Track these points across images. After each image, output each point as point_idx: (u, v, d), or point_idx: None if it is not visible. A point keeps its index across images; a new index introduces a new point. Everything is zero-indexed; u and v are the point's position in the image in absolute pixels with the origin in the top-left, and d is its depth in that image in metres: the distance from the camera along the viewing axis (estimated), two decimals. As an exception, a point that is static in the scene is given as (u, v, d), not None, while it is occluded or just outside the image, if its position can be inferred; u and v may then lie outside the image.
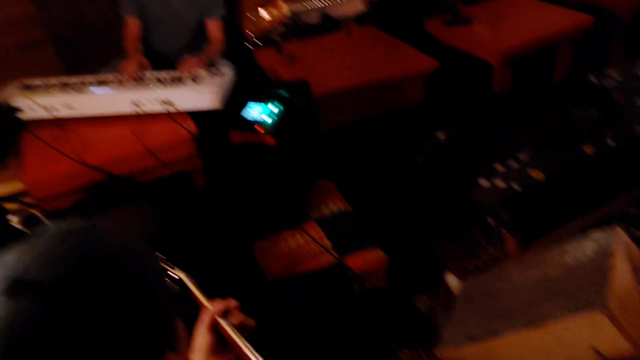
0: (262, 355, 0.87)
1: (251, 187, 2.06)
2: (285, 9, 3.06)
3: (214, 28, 2.91)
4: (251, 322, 0.93)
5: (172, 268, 1.17)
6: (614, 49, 3.49)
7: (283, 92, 2.08)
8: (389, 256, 1.97)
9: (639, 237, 1.87)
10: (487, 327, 1.63)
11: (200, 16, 2.87)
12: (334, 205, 2.14)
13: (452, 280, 2.15)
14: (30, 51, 3.13)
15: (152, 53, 2.85)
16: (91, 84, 2.47)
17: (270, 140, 1.90)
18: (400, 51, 2.90)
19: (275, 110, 2.00)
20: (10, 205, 2.14)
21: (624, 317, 1.37)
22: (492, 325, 1.62)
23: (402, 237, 2.40)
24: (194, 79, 2.46)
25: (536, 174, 2.16)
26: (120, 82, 2.46)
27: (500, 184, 2.18)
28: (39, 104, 2.33)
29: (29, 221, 2.06)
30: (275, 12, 3.08)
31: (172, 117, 2.32)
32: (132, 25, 2.77)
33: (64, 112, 2.35)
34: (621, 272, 1.48)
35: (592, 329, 1.38)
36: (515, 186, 2.15)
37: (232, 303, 0.98)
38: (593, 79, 2.70)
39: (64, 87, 2.45)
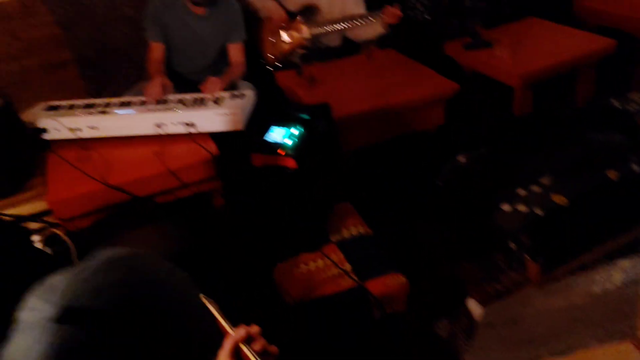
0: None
1: (271, 209, 2.06)
2: (305, 32, 3.09)
3: (236, 51, 2.96)
4: (274, 349, 0.93)
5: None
6: (637, 73, 3.46)
7: (304, 115, 2.09)
8: (409, 279, 1.95)
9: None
10: (510, 355, 1.60)
11: (222, 40, 2.92)
12: (354, 228, 2.13)
13: (473, 306, 2.12)
14: (55, 72, 3.19)
15: (175, 75, 2.89)
16: (115, 105, 2.51)
17: (291, 163, 1.91)
18: (420, 74, 2.90)
19: (297, 133, 2.00)
20: (33, 225, 2.17)
21: (654, 348, 1.33)
22: (516, 353, 1.59)
23: (422, 260, 2.38)
24: (216, 101, 2.48)
25: (559, 199, 2.13)
26: (144, 104, 2.50)
27: (522, 208, 2.16)
28: (63, 124, 2.37)
29: (51, 241, 2.08)
30: (295, 35, 3.11)
31: (193, 138, 2.35)
32: (157, 50, 2.82)
33: (88, 133, 2.39)
34: (650, 301, 1.45)
35: (621, 359, 1.35)
36: (538, 211, 2.12)
37: (254, 329, 0.98)
38: (616, 103, 2.68)
39: (89, 108, 2.49)
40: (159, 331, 0.65)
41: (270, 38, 3.18)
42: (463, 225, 2.49)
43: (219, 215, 2.33)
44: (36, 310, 0.63)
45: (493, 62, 3.04)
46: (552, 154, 2.36)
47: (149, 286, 0.67)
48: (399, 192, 2.73)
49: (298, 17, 3.09)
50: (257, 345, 0.91)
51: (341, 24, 3.08)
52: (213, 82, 2.67)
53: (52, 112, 2.46)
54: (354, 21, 3.05)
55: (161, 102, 2.52)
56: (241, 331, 0.95)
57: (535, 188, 2.21)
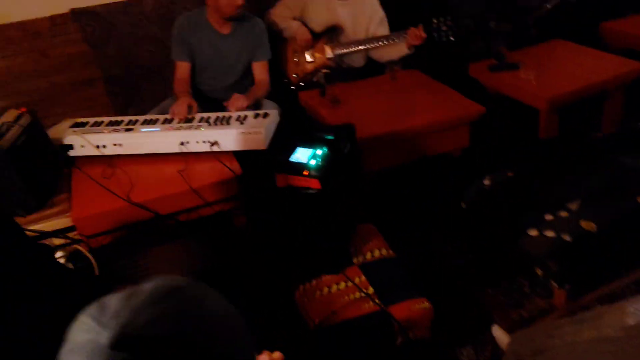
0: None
1: (294, 230, 2.04)
2: (329, 52, 3.10)
3: (261, 70, 2.98)
4: None
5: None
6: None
7: (328, 136, 2.08)
8: (432, 304, 1.91)
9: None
10: (538, 387, 1.55)
11: (247, 59, 2.95)
12: (378, 251, 2.10)
13: (498, 333, 2.07)
14: (83, 89, 3.24)
15: (200, 94, 2.92)
16: (140, 123, 2.53)
17: (315, 184, 1.90)
18: (445, 96, 2.88)
19: (321, 154, 1.99)
20: (57, 241, 2.18)
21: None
22: (543, 385, 1.54)
23: (446, 284, 2.34)
24: (240, 120, 2.49)
25: (588, 225, 2.08)
26: (169, 123, 2.52)
27: (549, 233, 2.11)
28: (89, 141, 2.39)
29: (74, 257, 2.10)
30: (319, 55, 3.13)
31: (217, 157, 2.35)
32: (183, 69, 2.85)
33: (113, 150, 2.41)
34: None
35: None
36: (566, 237, 2.07)
37: (277, 355, 0.97)
38: (645, 127, 2.63)
39: (114, 125, 2.51)
40: None
41: (293, 58, 3.19)
42: (487, 250, 2.44)
43: (241, 234, 2.32)
44: (89, 332, 0.63)
45: (519, 85, 3.01)
46: (580, 178, 2.31)
47: (203, 320, 0.67)
48: (423, 214, 2.70)
49: (322, 38, 3.11)
50: None
51: (365, 44, 3.08)
52: (238, 98, 2.69)
53: (78, 129, 2.49)
54: (378, 42, 3.05)
55: (186, 120, 2.53)
56: (265, 357, 0.93)
57: (563, 213, 2.16)
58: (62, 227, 2.16)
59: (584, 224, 2.10)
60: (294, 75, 3.22)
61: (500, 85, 3.14)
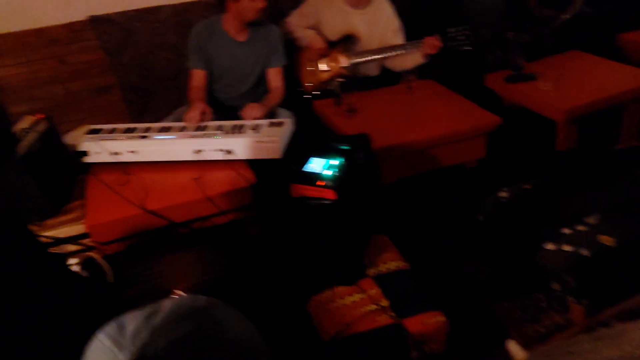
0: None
1: (308, 240, 2.02)
2: (344, 61, 3.09)
3: (275, 76, 2.98)
4: None
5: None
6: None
7: (344, 146, 2.07)
8: (447, 318, 1.88)
9: None
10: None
11: (263, 66, 2.96)
12: (392, 262, 2.07)
13: (514, 349, 2.03)
14: (99, 96, 3.27)
15: (214, 101, 2.92)
16: (155, 130, 2.53)
17: (330, 195, 1.88)
18: (461, 107, 2.86)
19: (336, 164, 1.98)
20: (70, 247, 2.18)
21: None
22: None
23: (461, 298, 2.30)
24: (254, 128, 2.49)
25: (607, 240, 2.05)
26: (184, 130, 2.52)
27: (567, 248, 2.07)
28: (104, 148, 2.39)
29: (87, 264, 2.09)
30: (334, 64, 3.12)
31: (231, 165, 2.35)
32: (198, 77, 2.86)
33: (127, 157, 2.41)
34: None
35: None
36: (584, 251, 2.04)
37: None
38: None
39: (129, 132, 2.52)
40: None
41: (308, 66, 3.19)
42: (503, 263, 2.41)
43: (255, 243, 2.31)
44: (107, 354, 0.62)
45: (536, 96, 2.98)
46: (598, 192, 2.28)
47: (224, 344, 0.66)
48: (438, 226, 2.67)
49: (337, 46, 3.10)
50: None
51: (380, 53, 3.07)
52: (253, 107, 2.69)
53: (93, 136, 2.49)
54: (393, 51, 3.05)
55: (200, 128, 2.53)
56: None
57: (581, 227, 2.12)
58: (76, 234, 2.16)
59: (603, 238, 2.06)
60: (308, 84, 3.21)
61: (517, 96, 3.11)
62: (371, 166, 2.17)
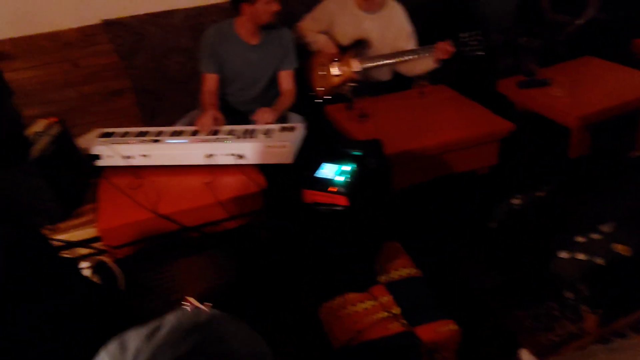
0: None
1: (320, 246, 2.01)
2: (356, 65, 3.08)
3: (287, 79, 2.99)
4: None
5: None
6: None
7: (356, 151, 2.06)
8: (459, 326, 1.86)
9: None
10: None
11: (275, 69, 2.96)
12: (404, 269, 2.06)
13: (527, 358, 2.01)
14: (112, 99, 3.28)
15: (226, 105, 2.93)
16: (167, 134, 2.54)
17: (342, 201, 1.87)
18: (474, 112, 2.84)
19: (348, 170, 1.97)
20: (82, 251, 2.19)
21: None
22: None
23: (473, 306, 2.28)
24: (266, 133, 2.48)
25: (622, 249, 2.02)
26: (195, 135, 2.52)
27: (581, 256, 2.05)
28: (117, 152, 2.40)
29: (99, 267, 2.10)
30: (345, 68, 3.11)
31: (242, 170, 2.34)
32: (211, 81, 2.86)
33: (140, 161, 2.41)
34: None
35: None
36: (599, 260, 2.01)
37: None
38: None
39: (141, 136, 2.52)
40: None
41: (320, 71, 3.19)
42: (516, 271, 2.39)
43: (265, 248, 2.31)
44: None
45: (549, 102, 2.96)
46: (613, 199, 2.25)
47: (225, 358, 0.64)
48: (449, 232, 2.65)
49: (349, 51, 3.09)
50: None
51: (392, 58, 3.06)
52: (265, 112, 2.69)
53: (106, 139, 2.50)
54: (406, 56, 3.03)
55: (212, 132, 2.53)
56: None
57: (596, 236, 2.10)
58: (87, 237, 2.17)
59: (618, 247, 2.04)
60: (319, 88, 3.21)
61: (530, 102, 3.09)
62: (383, 172, 2.16)
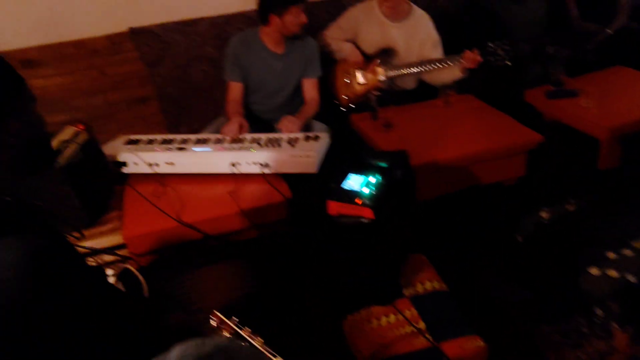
0: None
1: (344, 258, 1.99)
2: (381, 74, 3.06)
3: (311, 87, 2.98)
4: None
5: (274, 356, 1.12)
6: None
7: (382, 163, 2.04)
8: (485, 341, 1.83)
9: None
10: None
11: (299, 77, 2.95)
12: (429, 283, 2.03)
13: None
14: (137, 106, 3.31)
15: (250, 114, 2.93)
16: (192, 142, 2.54)
17: (368, 214, 1.85)
18: (501, 123, 2.80)
19: (374, 182, 1.95)
20: (107, 258, 2.20)
21: None
22: None
23: (499, 321, 2.24)
24: (290, 142, 2.47)
25: (655, 266, 1.97)
26: (220, 143, 2.52)
27: (612, 273, 2.01)
28: (142, 159, 2.41)
29: (123, 275, 2.10)
30: (370, 76, 3.09)
31: (267, 179, 2.34)
32: (235, 90, 2.87)
33: (165, 169, 2.42)
34: None
35: None
36: (631, 277, 1.97)
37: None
38: None
39: (167, 144, 2.53)
40: None
41: (344, 79, 3.17)
42: (544, 286, 2.34)
43: (289, 259, 2.29)
44: None
45: (578, 113, 2.90)
46: (646, 215, 2.20)
47: None
48: (476, 245, 2.61)
49: (374, 59, 3.07)
50: None
51: (418, 67, 3.03)
52: (290, 120, 2.68)
53: (132, 146, 2.51)
54: (432, 65, 3.00)
55: (237, 141, 2.53)
56: None
57: (628, 252, 2.05)
58: (112, 244, 2.18)
59: (651, 264, 1.99)
60: (344, 97, 3.20)
61: (558, 113, 3.03)
62: (409, 183, 2.14)
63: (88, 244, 2.14)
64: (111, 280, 2.09)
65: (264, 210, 2.24)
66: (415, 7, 3.12)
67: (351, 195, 1.89)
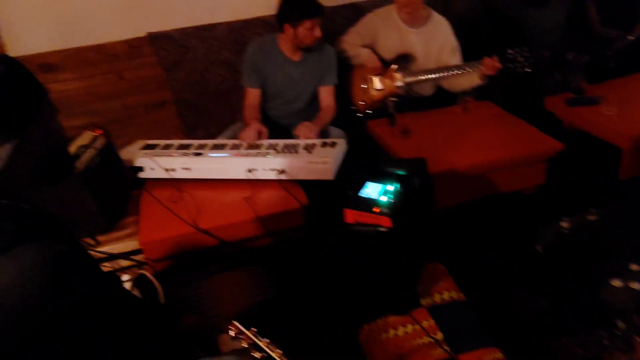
0: None
1: (361, 267, 1.97)
2: (399, 80, 3.04)
3: (327, 94, 2.97)
4: None
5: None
6: None
7: (400, 171, 2.02)
8: (504, 353, 1.79)
9: None
10: None
11: (316, 84, 2.94)
12: (447, 293, 2.00)
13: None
14: (154, 111, 3.32)
15: (267, 120, 2.92)
16: (209, 147, 2.54)
17: (386, 222, 1.83)
18: (520, 130, 2.76)
19: (392, 190, 1.93)
20: (123, 263, 2.20)
21: None
22: None
23: (518, 333, 2.20)
24: (307, 149, 2.46)
25: (680, 279, 1.93)
26: (237, 148, 2.52)
27: (635, 286, 1.96)
28: (159, 164, 2.41)
29: (139, 281, 2.10)
30: (388, 82, 3.07)
31: (283, 185, 2.33)
32: (253, 95, 2.87)
33: (181, 174, 2.42)
34: None
35: None
36: (655, 290, 1.92)
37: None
38: None
39: (183, 149, 2.53)
40: None
41: (361, 84, 3.16)
42: (564, 297, 2.29)
43: (305, 266, 2.27)
44: None
45: (599, 120, 2.85)
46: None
47: None
48: (494, 254, 2.56)
49: (392, 65, 3.05)
50: None
51: (436, 73, 3.00)
52: (307, 126, 2.67)
53: (148, 151, 2.51)
54: (450, 71, 2.97)
55: (253, 146, 2.53)
56: None
57: (651, 264, 2.01)
58: (129, 249, 2.18)
59: (676, 277, 1.94)
60: (361, 103, 3.18)
61: (579, 121, 2.99)
62: (427, 192, 2.11)
63: (105, 249, 2.14)
64: (127, 286, 2.09)
65: (280, 217, 2.23)
66: (434, 12, 3.10)
67: (369, 204, 1.87)
